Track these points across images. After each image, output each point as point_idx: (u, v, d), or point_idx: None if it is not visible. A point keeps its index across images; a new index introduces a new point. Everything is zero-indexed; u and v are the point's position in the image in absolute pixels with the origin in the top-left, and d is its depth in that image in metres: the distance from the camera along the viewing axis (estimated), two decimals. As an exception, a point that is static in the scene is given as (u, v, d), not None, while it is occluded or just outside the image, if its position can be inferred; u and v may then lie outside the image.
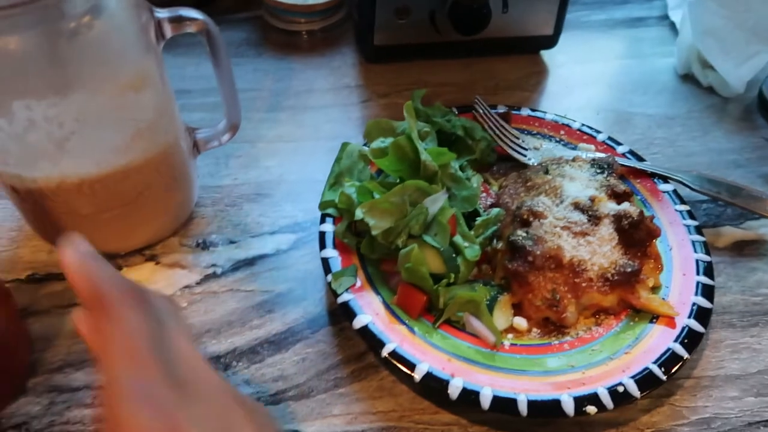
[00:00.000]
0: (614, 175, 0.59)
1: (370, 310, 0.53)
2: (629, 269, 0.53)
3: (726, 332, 0.57)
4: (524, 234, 0.55)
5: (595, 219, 0.55)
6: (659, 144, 0.75)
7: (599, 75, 0.86)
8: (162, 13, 0.51)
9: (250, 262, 0.62)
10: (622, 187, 0.57)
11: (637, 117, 0.79)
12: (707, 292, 0.54)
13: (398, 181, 0.57)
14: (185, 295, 0.59)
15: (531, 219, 0.56)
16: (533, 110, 0.71)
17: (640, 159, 0.66)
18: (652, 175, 0.64)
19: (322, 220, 0.59)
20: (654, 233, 0.55)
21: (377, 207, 0.54)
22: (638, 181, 0.64)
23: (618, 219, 0.55)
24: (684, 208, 0.61)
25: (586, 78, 0.85)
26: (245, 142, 0.74)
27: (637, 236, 0.54)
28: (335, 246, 0.57)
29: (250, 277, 0.61)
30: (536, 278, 0.54)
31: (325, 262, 0.56)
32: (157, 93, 0.51)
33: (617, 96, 0.82)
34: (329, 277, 0.55)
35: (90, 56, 0.45)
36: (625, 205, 0.55)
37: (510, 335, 0.54)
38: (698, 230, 0.59)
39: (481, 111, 0.69)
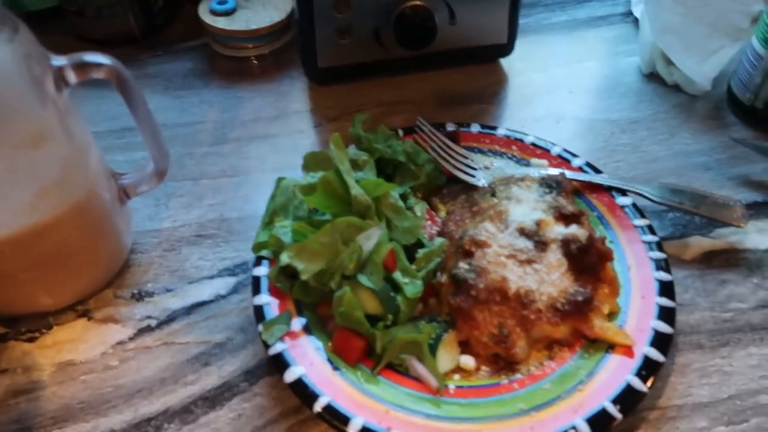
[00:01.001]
0: (564, 193, 0.56)
1: (305, 361, 0.49)
2: (580, 297, 0.49)
3: (694, 355, 0.53)
4: (466, 266, 0.51)
5: (541, 245, 0.51)
6: (623, 151, 0.71)
7: (560, 81, 0.82)
8: (60, 61, 0.48)
9: (187, 311, 0.59)
10: (570, 208, 0.53)
11: (599, 123, 0.75)
12: (667, 315, 0.50)
13: (330, 218, 0.54)
14: (117, 352, 0.56)
15: (474, 249, 0.52)
16: (483, 126, 0.68)
17: (597, 171, 0.62)
18: (610, 189, 0.60)
19: (257, 263, 0.56)
20: (606, 256, 0.51)
21: (306, 249, 0.51)
22: (594, 195, 0.60)
23: (566, 244, 0.51)
24: (643, 222, 0.57)
25: (546, 85, 0.81)
26: (187, 180, 0.71)
27: (587, 261, 0.50)
28: (270, 291, 0.54)
29: (186, 328, 0.57)
30: (481, 313, 0.50)
31: (257, 309, 0.53)
32: (61, 146, 0.48)
33: (579, 102, 0.78)
34: (260, 327, 0.51)
35: (-27, 116, 0.42)
36: (573, 228, 0.51)
37: (457, 376, 0.50)
38: (659, 246, 0.55)
39: (425, 131, 0.65)
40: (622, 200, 0.59)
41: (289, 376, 0.48)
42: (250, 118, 0.79)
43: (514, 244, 0.52)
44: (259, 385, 0.53)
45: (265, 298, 0.53)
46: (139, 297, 0.60)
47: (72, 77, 0.49)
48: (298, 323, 0.52)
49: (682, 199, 0.58)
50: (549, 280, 0.50)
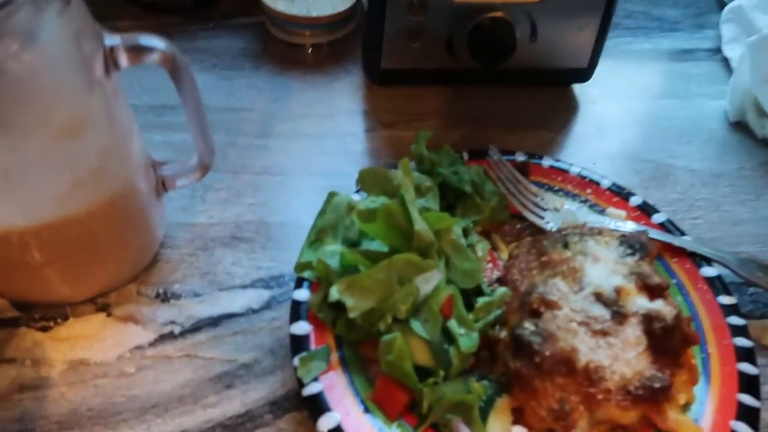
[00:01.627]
0: (648, 259, 0.50)
1: (341, 408, 0.44)
2: (658, 384, 0.44)
3: (770, 461, 0.48)
4: (532, 328, 0.46)
5: (619, 317, 0.46)
6: (702, 207, 0.65)
7: (637, 116, 0.75)
8: (113, 41, 0.42)
9: (214, 321, 0.54)
10: (656, 279, 0.47)
11: (678, 171, 0.69)
12: (750, 416, 0.45)
13: (387, 250, 0.48)
14: (135, 357, 0.51)
15: (542, 309, 0.46)
16: (557, 161, 0.62)
17: (681, 232, 0.56)
18: (693, 255, 0.54)
19: (298, 285, 0.51)
20: (691, 340, 0.45)
21: (358, 284, 0.45)
22: (675, 260, 0.54)
23: (648, 320, 0.45)
24: (729, 300, 0.51)
25: (622, 118, 0.75)
26: (228, 173, 0.66)
27: (670, 343, 0.45)
28: (308, 318, 0.49)
29: (212, 341, 0.53)
30: (542, 383, 0.44)
31: (295, 339, 0.48)
32: (103, 135, 0.43)
33: (657, 143, 0.72)
34: (296, 361, 0.46)
35: (15, 96, 0.37)
36: (659, 304, 0.46)
37: (505, 448, 0.45)
38: (745, 333, 0.49)
39: (495, 159, 0.59)
40: (707, 271, 0.53)
41: (325, 423, 0.43)
42: (300, 113, 0.73)
43: (588, 311, 0.46)
44: (285, 420, 0.48)
45: (304, 327, 0.48)
46: (165, 298, 0.55)
47: (124, 60, 0.44)
48: (336, 361, 0.47)
49: (772, 277, 0.52)
50: (624, 357, 0.44)
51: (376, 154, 0.69)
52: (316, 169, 0.67)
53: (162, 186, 0.55)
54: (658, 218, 0.57)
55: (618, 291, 0.46)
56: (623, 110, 0.76)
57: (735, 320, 0.50)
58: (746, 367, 0.47)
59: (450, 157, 0.59)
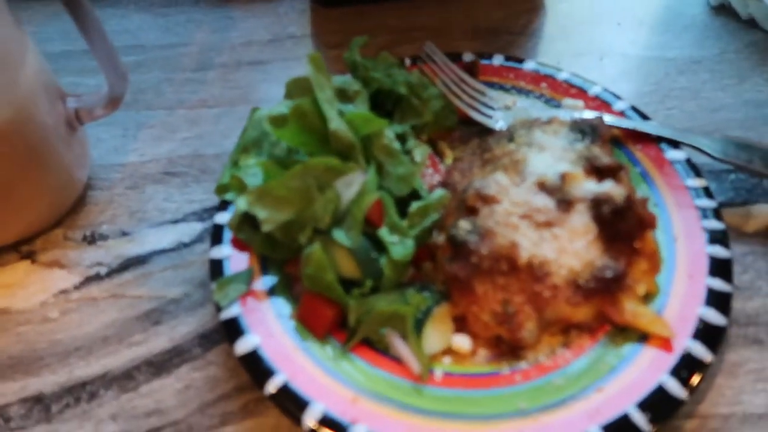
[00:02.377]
0: (600, 142, 0.44)
1: (262, 329, 0.40)
2: (610, 273, 0.39)
3: (749, 351, 0.42)
4: (468, 227, 0.41)
5: (565, 204, 0.41)
6: (678, 96, 0.59)
7: (608, 10, 0.69)
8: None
9: (143, 259, 0.50)
10: (605, 159, 0.41)
11: (652, 62, 0.62)
12: (720, 301, 0.39)
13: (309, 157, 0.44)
14: (59, 302, 0.48)
15: (479, 205, 0.42)
16: (508, 59, 0.56)
17: (644, 118, 0.51)
18: (659, 140, 0.49)
19: (221, 208, 0.47)
20: (647, 223, 0.40)
21: (271, 194, 0.41)
22: (639, 147, 0.49)
23: (597, 204, 0.40)
24: (698, 183, 0.45)
25: (590, 15, 0.68)
26: (162, 109, 0.62)
27: (622, 227, 0.40)
28: (233, 243, 0.45)
29: (140, 279, 0.49)
30: (483, 285, 0.40)
31: (214, 264, 0.44)
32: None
33: (629, 36, 0.65)
34: (213, 285, 0.42)
35: None
36: (607, 185, 0.40)
37: (447, 359, 0.41)
38: (716, 214, 0.44)
39: (436, 60, 0.54)
40: (672, 154, 0.47)
41: (241, 346, 0.39)
42: (241, 42, 0.68)
43: (530, 202, 0.41)
44: (214, 353, 0.45)
45: (224, 251, 0.44)
46: (92, 240, 0.52)
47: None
48: (260, 283, 0.43)
49: (751, 156, 0.46)
50: (571, 249, 0.39)
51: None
52: (256, 96, 0.63)
53: (76, 119, 0.51)
54: (619, 105, 0.51)
55: (563, 177, 0.41)
56: (592, 5, 0.69)
57: (704, 202, 0.44)
58: (717, 250, 0.41)
59: (386, 63, 0.53)
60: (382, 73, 0.51)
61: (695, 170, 0.46)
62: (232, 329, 0.40)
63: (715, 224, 0.43)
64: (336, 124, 0.42)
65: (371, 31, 0.68)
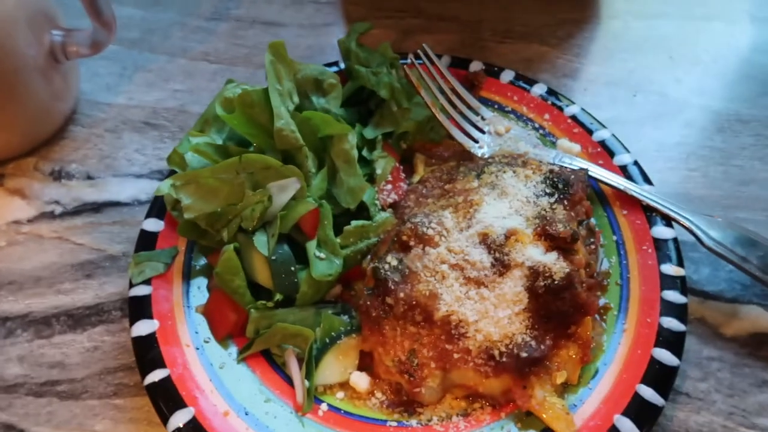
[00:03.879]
0: (569, 201, 0.39)
1: (164, 316, 0.39)
2: (525, 353, 0.35)
3: (675, 472, 0.38)
4: (394, 263, 0.38)
5: (501, 265, 0.37)
6: (706, 157, 0.52)
7: (667, 38, 0.61)
8: None
9: (97, 207, 0.50)
10: (559, 226, 0.37)
11: (692, 110, 0.55)
12: (645, 414, 0.35)
13: (252, 150, 0.41)
14: (9, 231, 0.49)
15: (413, 243, 0.38)
16: (519, 77, 0.50)
17: (646, 179, 0.45)
18: (649, 210, 0.43)
19: (168, 177, 0.46)
20: (586, 309, 0.36)
21: (199, 181, 0.39)
22: (625, 213, 0.43)
23: (534, 275, 0.36)
24: (675, 271, 0.40)
25: (645, 40, 0.61)
26: (164, 54, 0.61)
27: (555, 308, 0.35)
28: (168, 218, 0.44)
29: (88, 227, 0.49)
30: (393, 330, 0.37)
31: (142, 235, 0.43)
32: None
33: (678, 74, 0.58)
34: (131, 258, 0.42)
35: None
36: (551, 257, 0.36)
37: (341, 394, 0.38)
38: (679, 313, 0.38)
39: (426, 64, 0.49)
40: (659, 231, 0.42)
41: (138, 328, 0.39)
42: (263, -2, 0.65)
43: (467, 253, 0.37)
44: (131, 321, 0.44)
45: (155, 224, 0.43)
46: (58, 176, 0.52)
47: None
48: (182, 266, 0.42)
49: (749, 255, 0.40)
50: (494, 315, 0.36)
51: (327, 50, 0.60)
52: (258, 60, 0.60)
53: (62, 53, 0.50)
54: (622, 159, 0.45)
55: (509, 235, 0.37)
56: (647, 30, 0.61)
57: (673, 296, 0.39)
58: (663, 355, 0.36)
59: (382, 58, 0.49)
60: (369, 70, 0.47)
61: (679, 256, 0.40)
62: (135, 309, 0.40)
63: (674, 324, 0.38)
64: (283, 122, 0.39)
65: (399, 10, 0.63)
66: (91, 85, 0.58)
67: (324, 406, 0.37)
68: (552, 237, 0.37)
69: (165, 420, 0.35)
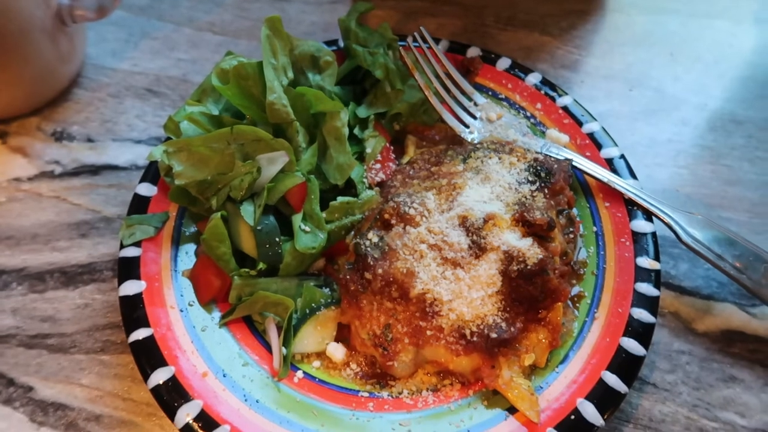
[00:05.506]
0: (550, 190, 0.40)
1: (151, 278, 0.41)
2: (495, 334, 0.36)
3: (633, 457, 0.39)
4: (375, 239, 0.39)
5: (477, 248, 0.38)
6: (696, 155, 0.52)
7: (669, 35, 0.61)
8: None
9: (95, 170, 0.52)
10: (536, 214, 0.38)
11: (686, 107, 0.55)
12: (608, 400, 0.36)
13: (245, 122, 0.42)
14: (9, 188, 0.51)
15: (394, 222, 0.39)
16: (515, 65, 0.51)
17: (631, 173, 0.45)
18: (630, 203, 0.44)
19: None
20: (557, 295, 0.37)
21: (190, 149, 0.40)
22: (608, 205, 0.44)
23: (508, 259, 0.37)
24: (650, 264, 0.41)
25: (647, 35, 0.61)
26: (171, 23, 0.61)
27: (527, 292, 0.36)
28: (161, 183, 0.45)
29: (85, 188, 0.51)
30: (369, 304, 0.38)
31: (135, 199, 0.44)
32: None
33: (677, 71, 0.58)
34: (123, 220, 0.43)
35: None
36: (526, 242, 0.37)
37: (317, 363, 0.40)
38: (650, 305, 0.39)
39: (422, 47, 0.49)
40: (639, 224, 0.42)
41: (125, 288, 0.40)
42: (273, -29, 0.66)
43: (446, 235, 0.38)
44: (122, 281, 0.46)
45: (148, 189, 0.44)
46: (60, 137, 0.54)
47: None
48: (172, 231, 0.43)
49: (725, 253, 0.41)
50: (468, 296, 0.37)
51: (330, 28, 0.61)
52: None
53: (69, 16, 0.51)
54: (609, 152, 0.46)
55: (487, 219, 0.38)
56: (652, 25, 0.61)
57: (645, 288, 0.40)
58: (630, 344, 0.37)
59: (381, 38, 0.50)
60: (366, 50, 0.48)
61: (656, 250, 0.41)
62: (124, 269, 0.41)
63: (643, 315, 0.39)
64: (275, 96, 0.40)
65: (406, -9, 0.64)
66: (98, 50, 0.59)
67: (300, 374, 0.39)
68: (529, 223, 0.38)
69: (146, 377, 0.37)
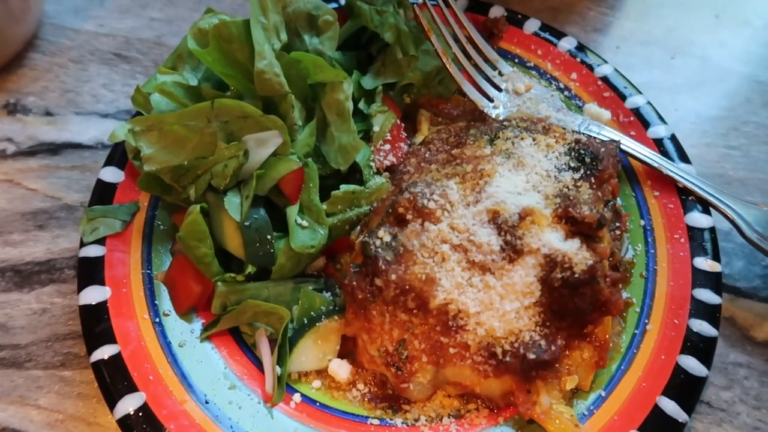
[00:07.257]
0: (597, 178, 0.33)
1: (118, 282, 0.34)
2: (536, 354, 0.30)
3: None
4: (387, 238, 0.32)
5: (512, 250, 0.31)
6: (749, 134, 0.46)
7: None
8: None
9: (55, 148, 0.44)
10: (585, 209, 0.31)
11: (736, 78, 0.49)
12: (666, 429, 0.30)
13: (229, 93, 0.35)
14: (-46, 171, 0.43)
15: (411, 217, 0.33)
16: (545, 27, 0.44)
17: (683, 157, 0.39)
18: (685, 192, 0.37)
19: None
20: (608, 308, 0.30)
21: (162, 128, 0.33)
22: (657, 195, 0.37)
23: (550, 265, 0.30)
24: (709, 266, 0.35)
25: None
26: (143, -24, 0.53)
27: (573, 304, 0.30)
28: (128, 168, 0.38)
29: (43, 171, 0.43)
30: (381, 315, 0.32)
31: (98, 185, 0.37)
32: None
33: (723, 36, 0.51)
34: (83, 213, 0.36)
35: None
36: (573, 245, 0.30)
37: (317, 383, 0.34)
38: (711, 317, 0.33)
39: (440, 6, 0.42)
40: (695, 217, 0.36)
41: (86, 296, 0.33)
42: None
43: (473, 233, 0.32)
44: (86, 281, 0.39)
45: (113, 174, 0.37)
46: (13, 109, 0.46)
47: None
48: (141, 221, 0.36)
49: (797, 251, 0.35)
50: (500, 308, 0.31)
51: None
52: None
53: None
54: (657, 132, 0.39)
55: (523, 215, 0.31)
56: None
57: (705, 295, 0.33)
58: (690, 363, 0.32)
59: (395, -4, 0.42)
60: (373, 8, 0.40)
61: (715, 249, 0.35)
62: (85, 273, 0.34)
63: (705, 328, 0.33)
64: (265, 63, 0.33)
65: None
66: (57, 7, 0.51)
67: (297, 397, 0.33)
68: (574, 221, 0.31)
69: (112, 405, 0.31)
